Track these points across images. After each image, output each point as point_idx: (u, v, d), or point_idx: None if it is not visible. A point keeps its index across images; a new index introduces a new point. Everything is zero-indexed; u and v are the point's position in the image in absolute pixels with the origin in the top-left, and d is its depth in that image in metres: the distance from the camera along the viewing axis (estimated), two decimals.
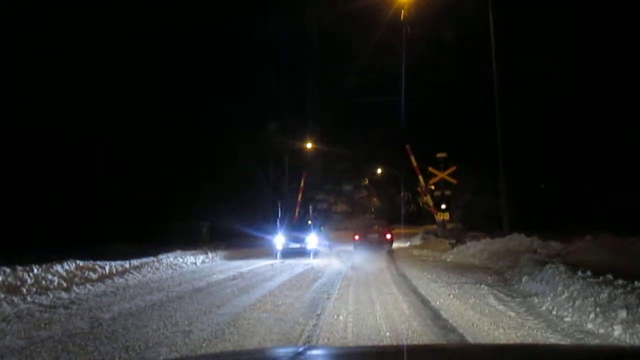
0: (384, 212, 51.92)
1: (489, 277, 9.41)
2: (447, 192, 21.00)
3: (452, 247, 16.79)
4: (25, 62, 17.50)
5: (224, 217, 24.43)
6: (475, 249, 14.09)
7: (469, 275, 9.80)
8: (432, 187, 22.49)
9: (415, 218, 57.68)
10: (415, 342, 4.67)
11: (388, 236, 20.14)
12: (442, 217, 21.01)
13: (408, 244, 22.35)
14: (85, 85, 19.72)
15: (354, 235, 20.37)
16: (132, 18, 21.60)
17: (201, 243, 20.75)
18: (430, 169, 21.65)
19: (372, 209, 51.32)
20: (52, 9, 18.10)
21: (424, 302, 6.89)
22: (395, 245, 21.06)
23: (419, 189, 26.86)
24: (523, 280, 7.85)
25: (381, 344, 4.69)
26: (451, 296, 7.12)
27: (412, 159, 21.59)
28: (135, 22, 21.68)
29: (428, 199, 23.06)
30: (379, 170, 51.96)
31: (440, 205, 21.01)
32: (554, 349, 2.88)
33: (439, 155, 21.25)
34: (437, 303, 6.69)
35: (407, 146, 21.79)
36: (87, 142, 19.96)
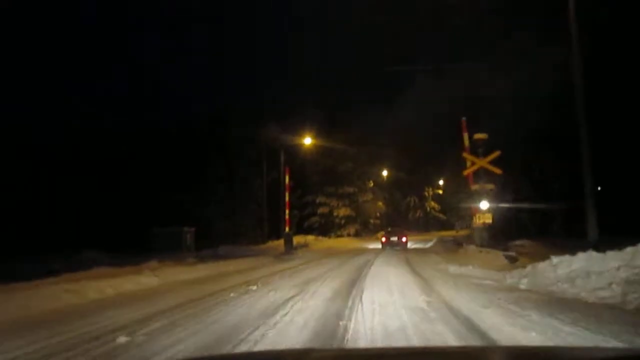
0: (389, 217, 46.66)
1: None
2: (490, 187, 15.48)
3: (513, 262, 11.23)
4: None
5: (215, 220, 24.51)
6: (569, 268, 8.44)
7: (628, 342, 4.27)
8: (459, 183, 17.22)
9: (423, 224, 52.60)
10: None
11: (404, 239, 24.83)
12: (482, 220, 15.44)
13: (421, 245, 24.28)
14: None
15: (381, 238, 26.35)
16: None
17: (184, 251, 19.78)
18: (464, 154, 16.16)
19: (377, 214, 45.79)
20: None
21: None
22: (413, 253, 20.85)
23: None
24: None
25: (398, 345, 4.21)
26: None
27: (465, 136, 16.13)
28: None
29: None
30: (385, 172, 46.89)
31: (479, 203, 15.47)
32: (571, 352, 2.65)
33: (477, 136, 15.82)
34: None
35: (464, 119, 16.36)
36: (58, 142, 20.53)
